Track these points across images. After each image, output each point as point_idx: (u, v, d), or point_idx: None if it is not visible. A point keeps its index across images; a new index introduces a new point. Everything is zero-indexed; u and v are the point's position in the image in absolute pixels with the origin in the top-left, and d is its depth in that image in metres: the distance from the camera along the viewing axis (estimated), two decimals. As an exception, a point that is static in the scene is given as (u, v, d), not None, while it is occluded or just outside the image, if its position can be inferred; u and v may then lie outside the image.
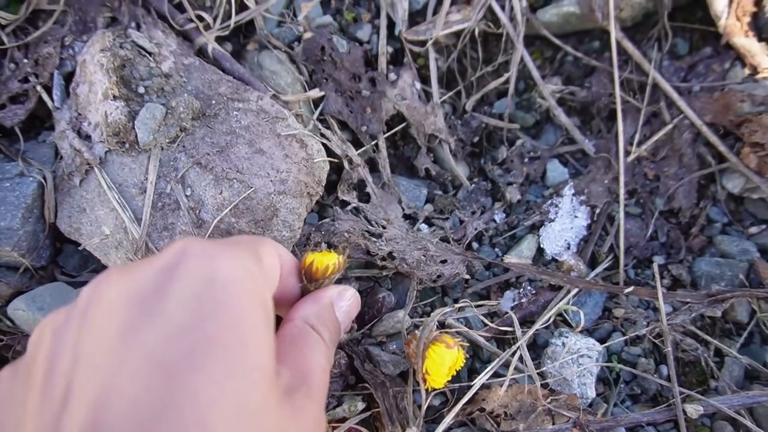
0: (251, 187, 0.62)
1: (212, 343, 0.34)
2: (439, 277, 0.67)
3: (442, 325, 0.65)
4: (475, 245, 0.72)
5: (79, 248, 0.63)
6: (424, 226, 0.72)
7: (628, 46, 0.75)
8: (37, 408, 0.34)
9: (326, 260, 0.48)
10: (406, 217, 0.72)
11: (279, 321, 0.49)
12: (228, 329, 0.35)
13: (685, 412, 0.62)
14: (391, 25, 0.75)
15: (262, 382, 0.36)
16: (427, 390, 0.57)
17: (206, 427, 0.32)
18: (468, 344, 0.65)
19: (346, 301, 0.52)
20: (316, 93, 0.71)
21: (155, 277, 0.37)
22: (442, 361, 0.53)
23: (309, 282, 0.49)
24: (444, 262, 0.68)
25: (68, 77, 0.66)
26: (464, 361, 0.55)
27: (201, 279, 0.36)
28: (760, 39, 0.74)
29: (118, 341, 0.34)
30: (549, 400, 0.62)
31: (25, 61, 0.66)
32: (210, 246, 0.38)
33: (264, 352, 0.36)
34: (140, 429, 0.31)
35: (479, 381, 0.62)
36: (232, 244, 0.40)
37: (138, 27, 0.68)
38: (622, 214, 0.72)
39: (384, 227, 0.69)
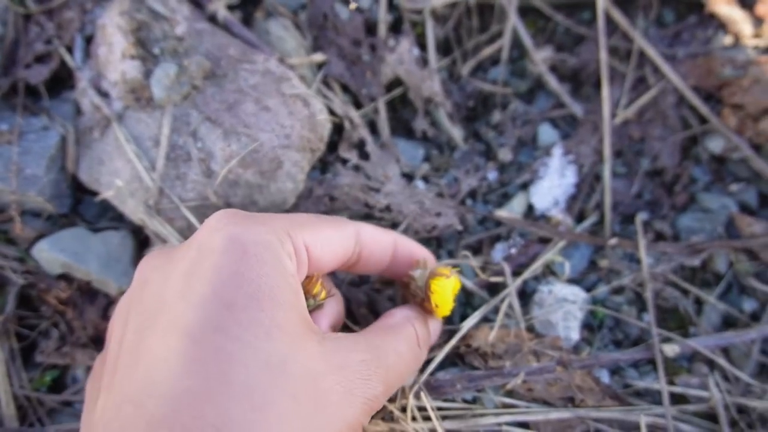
0: (257, 141, 0.67)
1: (231, 308, 0.39)
2: (433, 228, 0.72)
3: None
4: (468, 201, 0.77)
5: (97, 198, 0.68)
6: (420, 184, 0.77)
7: (616, 15, 0.79)
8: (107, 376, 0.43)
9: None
10: (404, 175, 0.77)
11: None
12: (246, 295, 0.40)
13: (662, 351, 0.66)
14: (390, -6, 0.80)
15: (283, 338, 0.41)
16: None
17: (227, 377, 0.37)
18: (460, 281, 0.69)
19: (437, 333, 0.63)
20: (319, 57, 0.75)
21: (186, 257, 0.43)
22: (445, 291, 0.57)
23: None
24: (438, 214, 0.72)
25: (89, 39, 0.71)
26: (461, 284, 0.60)
27: (223, 253, 0.42)
28: (742, 7, 0.78)
29: (155, 325, 0.41)
30: (534, 341, 0.67)
31: (49, 24, 0.71)
32: (235, 221, 0.44)
33: (282, 313, 0.42)
34: (174, 382, 0.36)
35: (468, 323, 0.66)
36: (260, 223, 0.46)
37: (153, -6, 0.73)
38: (608, 173, 0.76)
39: (382, 183, 0.73)
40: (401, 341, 0.53)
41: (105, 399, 0.40)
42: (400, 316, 0.57)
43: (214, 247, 0.42)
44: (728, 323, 0.71)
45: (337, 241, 0.52)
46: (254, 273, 0.41)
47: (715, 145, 0.76)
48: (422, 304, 0.60)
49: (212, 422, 0.35)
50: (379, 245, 0.58)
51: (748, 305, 0.70)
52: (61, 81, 0.72)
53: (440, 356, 0.65)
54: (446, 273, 0.58)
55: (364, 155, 0.76)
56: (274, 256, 0.43)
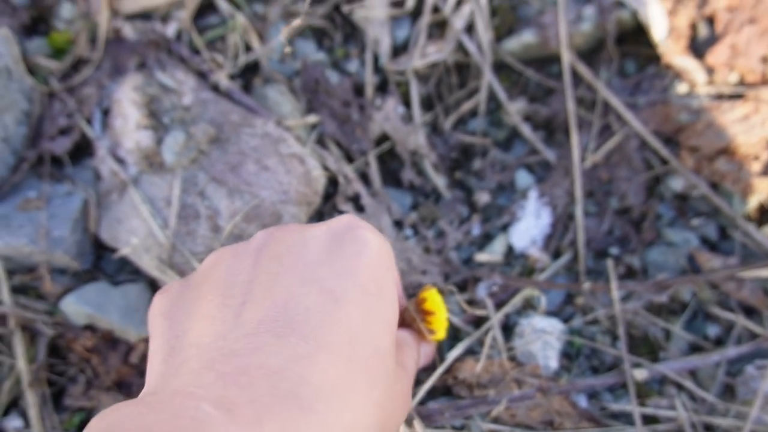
0: (258, 197, 0.74)
1: (361, 290, 0.46)
2: (419, 285, 0.79)
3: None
4: (453, 255, 0.83)
5: (115, 255, 0.76)
6: (409, 232, 0.84)
7: (581, 68, 0.87)
8: (217, 310, 0.45)
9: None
10: (395, 222, 0.84)
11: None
12: (373, 281, 0.47)
13: (633, 377, 0.72)
14: (375, 58, 0.88)
15: (389, 333, 0.48)
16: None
17: (353, 347, 0.43)
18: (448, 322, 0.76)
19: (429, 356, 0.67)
20: (312, 118, 0.83)
21: (325, 237, 0.50)
22: (436, 298, 0.62)
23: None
24: (424, 272, 0.80)
25: (106, 112, 0.80)
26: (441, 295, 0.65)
27: (359, 243, 0.49)
28: (696, 58, 0.86)
29: (292, 273, 0.46)
30: (516, 370, 0.73)
31: (71, 100, 0.79)
32: (367, 225, 0.52)
33: (393, 311, 0.50)
34: (310, 328, 0.42)
35: (453, 353, 0.73)
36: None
37: (162, 69, 0.82)
38: (580, 213, 0.83)
39: (373, 230, 0.80)
40: (409, 356, 0.59)
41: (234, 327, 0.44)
42: (403, 334, 0.62)
43: (345, 243, 0.50)
44: (695, 348, 0.77)
45: None
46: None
47: (676, 184, 0.83)
48: (417, 329, 0.64)
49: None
50: None
51: (712, 331, 0.77)
52: (82, 150, 0.80)
53: (427, 386, 0.71)
54: (431, 291, 0.63)
55: (359, 207, 0.83)
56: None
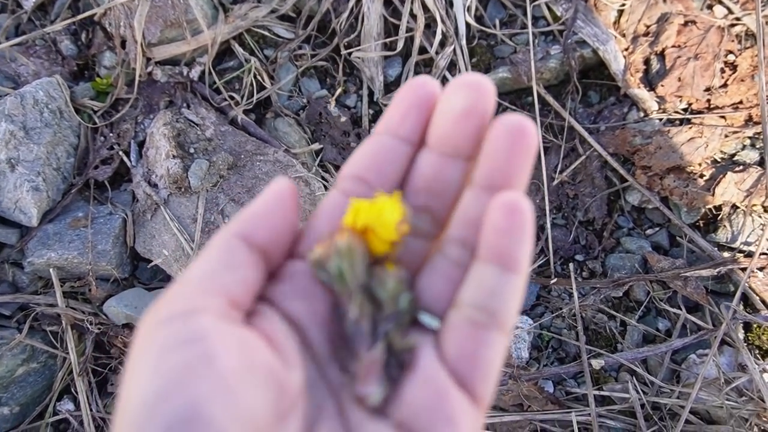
0: (270, 215, 0.88)
1: None
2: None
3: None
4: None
5: (150, 265, 0.89)
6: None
7: (550, 99, 1.00)
8: None
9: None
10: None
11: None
12: None
13: (590, 365, 0.84)
14: (371, 94, 1.02)
15: None
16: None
17: None
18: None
19: None
20: (316, 146, 0.97)
21: None
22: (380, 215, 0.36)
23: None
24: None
25: (141, 144, 0.94)
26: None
27: None
28: (649, 89, 0.98)
29: None
30: (491, 360, 0.85)
31: (111, 134, 0.94)
32: None
33: None
34: None
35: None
36: None
37: (188, 106, 0.96)
38: (549, 224, 0.95)
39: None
40: None
41: None
42: None
43: None
44: (647, 340, 0.89)
45: None
46: None
47: (633, 198, 0.95)
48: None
49: None
50: None
51: (662, 325, 0.88)
52: (121, 176, 0.94)
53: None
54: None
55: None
56: None
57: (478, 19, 1.03)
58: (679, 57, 0.97)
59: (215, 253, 0.37)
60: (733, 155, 0.94)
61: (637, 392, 0.82)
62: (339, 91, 1.02)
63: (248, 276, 0.38)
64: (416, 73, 1.02)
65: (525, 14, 1.02)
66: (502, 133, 0.39)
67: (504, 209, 0.37)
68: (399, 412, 0.36)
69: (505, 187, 0.39)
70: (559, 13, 1.02)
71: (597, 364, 0.84)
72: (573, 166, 0.98)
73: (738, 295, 0.85)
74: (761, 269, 0.88)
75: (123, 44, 0.95)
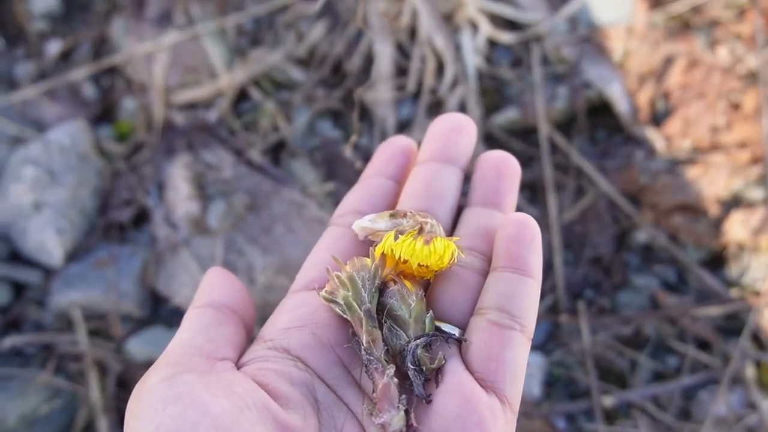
0: (286, 255, 0.90)
1: None
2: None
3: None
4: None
5: (170, 304, 0.92)
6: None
7: (557, 138, 1.02)
8: None
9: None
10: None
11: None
12: None
13: (601, 403, 0.85)
14: (383, 134, 1.05)
15: None
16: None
17: None
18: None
19: None
20: (330, 186, 1.00)
21: None
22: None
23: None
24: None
25: (161, 186, 0.97)
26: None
27: None
28: (654, 128, 1.01)
29: None
30: (503, 397, 0.87)
31: (132, 177, 0.97)
32: None
33: None
34: None
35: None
36: None
37: (207, 149, 0.99)
38: (559, 261, 0.97)
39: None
40: None
41: None
42: None
43: None
44: (658, 376, 0.90)
45: None
46: None
47: (640, 236, 0.97)
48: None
49: None
50: None
51: (672, 361, 0.90)
52: (142, 218, 0.97)
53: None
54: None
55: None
56: None
57: (487, 59, 1.06)
58: (683, 97, 0.99)
59: (188, 324, 0.44)
60: (740, 193, 0.96)
61: (648, 430, 0.84)
62: (353, 138, 1.05)
63: (224, 333, 0.44)
64: (428, 113, 1.05)
65: (530, 55, 1.05)
66: (490, 163, 0.50)
67: (515, 223, 0.44)
68: (432, 423, 0.39)
69: (498, 205, 0.48)
70: (565, 55, 1.05)
71: (608, 401, 0.85)
72: (581, 204, 1.00)
73: (747, 332, 0.87)
74: (769, 306, 0.90)
75: (143, 88, 0.98)
